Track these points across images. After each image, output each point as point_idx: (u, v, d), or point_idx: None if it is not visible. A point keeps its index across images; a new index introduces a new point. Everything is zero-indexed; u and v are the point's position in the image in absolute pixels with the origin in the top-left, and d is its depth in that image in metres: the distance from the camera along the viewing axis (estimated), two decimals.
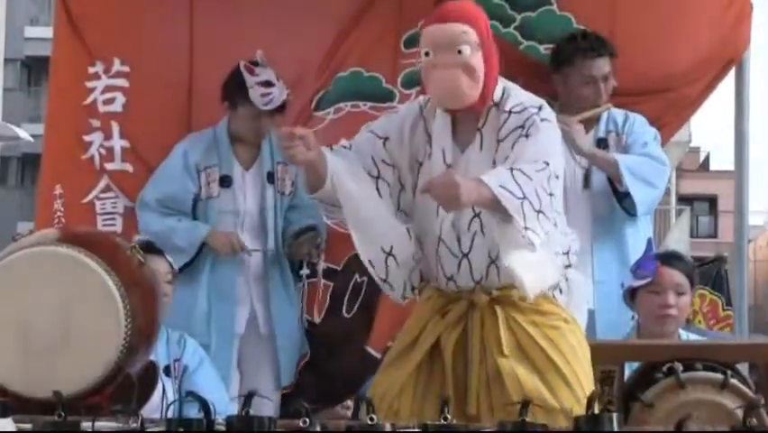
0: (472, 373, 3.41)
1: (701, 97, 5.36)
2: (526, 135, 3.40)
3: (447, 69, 3.39)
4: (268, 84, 4.86)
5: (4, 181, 24.06)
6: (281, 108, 4.89)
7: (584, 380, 3.43)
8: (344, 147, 3.53)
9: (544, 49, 5.20)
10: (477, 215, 3.41)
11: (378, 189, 3.48)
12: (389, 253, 3.44)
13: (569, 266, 3.53)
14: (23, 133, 16.56)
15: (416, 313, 3.59)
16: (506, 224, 3.27)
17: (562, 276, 3.52)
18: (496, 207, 3.26)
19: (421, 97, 3.65)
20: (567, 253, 3.51)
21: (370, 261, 3.45)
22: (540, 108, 3.46)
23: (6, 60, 22.85)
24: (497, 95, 3.49)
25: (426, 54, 3.42)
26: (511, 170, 3.29)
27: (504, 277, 3.42)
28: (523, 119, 3.42)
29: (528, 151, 3.37)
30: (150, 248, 4.12)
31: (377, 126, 3.58)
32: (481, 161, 3.43)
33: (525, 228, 3.25)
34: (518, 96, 3.50)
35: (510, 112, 3.44)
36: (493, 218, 3.32)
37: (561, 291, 3.53)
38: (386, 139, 3.52)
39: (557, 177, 3.40)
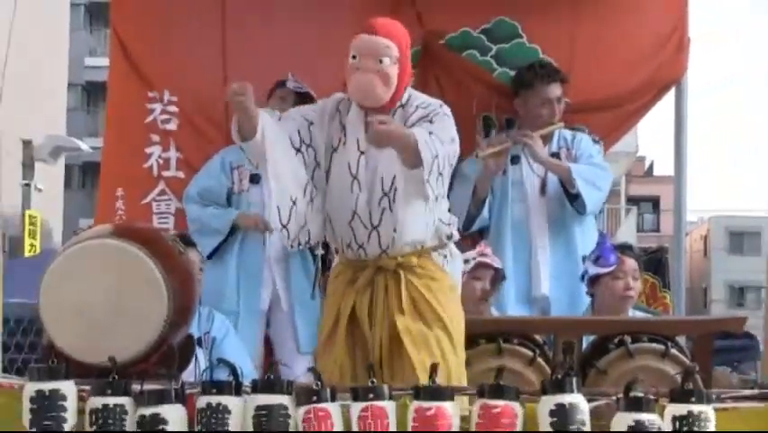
0: (375, 328, 3.42)
1: (642, 112, 5.45)
2: (431, 121, 3.42)
3: (367, 73, 3.39)
4: (303, 89, 4.86)
5: (69, 185, 24.02)
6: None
7: (456, 328, 3.46)
8: (277, 115, 3.52)
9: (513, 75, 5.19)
10: (386, 194, 3.42)
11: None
12: (294, 203, 3.44)
13: (451, 237, 3.54)
14: (84, 146, 16.62)
15: (330, 291, 3.58)
16: (413, 173, 3.30)
17: (447, 248, 3.53)
18: (413, 154, 3.27)
19: (338, 94, 3.60)
20: (450, 225, 3.54)
21: (278, 207, 3.45)
22: (441, 105, 3.51)
23: (69, 85, 22.84)
24: (404, 98, 3.50)
25: (353, 57, 3.40)
26: (430, 133, 3.33)
27: (405, 246, 3.44)
28: (428, 111, 3.46)
29: (433, 127, 3.39)
30: (185, 241, 4.10)
31: (305, 111, 3.57)
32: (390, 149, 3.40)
33: (427, 181, 3.29)
34: (423, 97, 3.55)
35: (418, 107, 3.48)
36: (402, 166, 3.34)
37: (447, 261, 3.54)
38: (311, 123, 3.50)
39: (451, 164, 3.43)
